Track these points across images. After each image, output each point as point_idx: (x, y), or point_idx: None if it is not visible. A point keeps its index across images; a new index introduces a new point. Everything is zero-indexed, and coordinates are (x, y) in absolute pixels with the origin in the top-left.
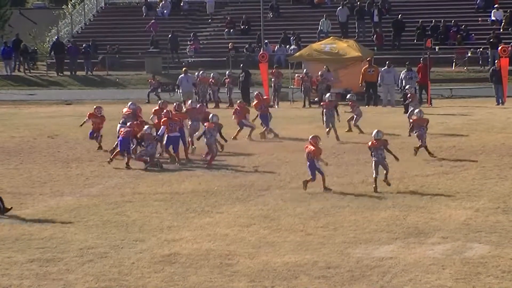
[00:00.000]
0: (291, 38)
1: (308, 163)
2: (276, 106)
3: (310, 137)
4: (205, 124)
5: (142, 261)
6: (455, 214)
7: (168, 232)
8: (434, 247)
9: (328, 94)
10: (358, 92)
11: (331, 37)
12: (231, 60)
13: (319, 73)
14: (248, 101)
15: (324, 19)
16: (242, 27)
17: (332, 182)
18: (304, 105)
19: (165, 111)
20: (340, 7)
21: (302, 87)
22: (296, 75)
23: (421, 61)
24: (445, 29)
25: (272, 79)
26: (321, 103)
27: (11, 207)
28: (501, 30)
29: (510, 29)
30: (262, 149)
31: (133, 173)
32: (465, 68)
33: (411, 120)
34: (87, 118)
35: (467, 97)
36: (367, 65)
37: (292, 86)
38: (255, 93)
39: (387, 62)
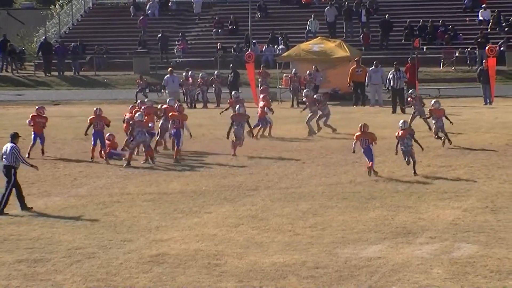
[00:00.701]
0: (279, 38)
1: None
2: None
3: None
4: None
5: (130, 261)
6: (443, 214)
7: (156, 233)
8: (422, 247)
9: (316, 95)
10: (346, 92)
11: (319, 37)
12: (219, 60)
13: (307, 72)
14: None
15: (312, 19)
16: (230, 27)
17: (320, 182)
18: (293, 105)
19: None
20: (328, 7)
21: (291, 87)
22: (284, 75)
23: (409, 61)
24: (433, 29)
25: (259, 79)
26: (304, 100)
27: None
28: (489, 30)
29: (497, 29)
30: (251, 149)
31: (121, 173)
32: (453, 68)
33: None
34: (30, 119)
35: (455, 97)
36: (355, 65)
37: (280, 86)
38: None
39: (374, 62)
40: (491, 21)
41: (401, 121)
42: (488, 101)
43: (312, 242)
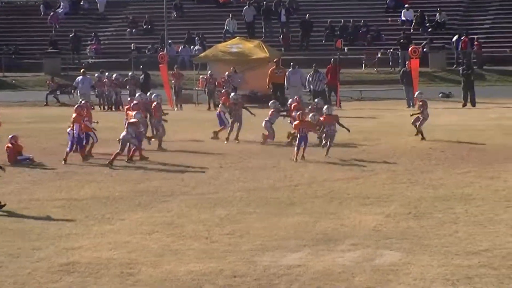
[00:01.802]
0: (196, 38)
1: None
2: (176, 109)
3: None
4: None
5: (39, 270)
6: (365, 220)
7: (67, 240)
8: (344, 254)
9: (232, 94)
10: (265, 94)
11: (237, 38)
12: (133, 61)
13: (226, 74)
14: None
15: (230, 18)
16: (144, 26)
17: (238, 187)
18: (209, 108)
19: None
20: (246, 6)
21: (206, 89)
22: (201, 76)
23: (331, 62)
24: (355, 29)
25: (173, 81)
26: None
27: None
28: (412, 31)
29: (420, 29)
30: (167, 153)
31: (30, 178)
32: (375, 69)
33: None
34: None
35: (377, 99)
36: (274, 67)
37: (196, 88)
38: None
39: (291, 64)
40: (414, 21)
41: (325, 107)
42: (411, 104)
43: (230, 249)
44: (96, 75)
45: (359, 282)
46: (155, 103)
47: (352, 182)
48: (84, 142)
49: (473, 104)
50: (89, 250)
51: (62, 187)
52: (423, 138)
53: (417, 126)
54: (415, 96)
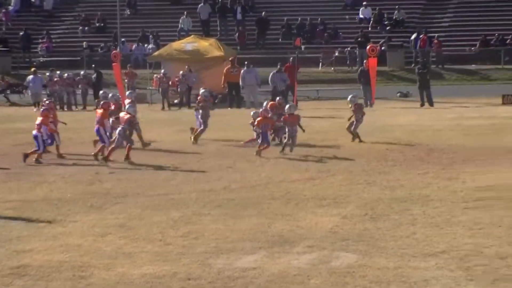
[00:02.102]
0: (150, 36)
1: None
2: None
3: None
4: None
5: None
6: (322, 222)
7: (18, 243)
8: (299, 257)
9: (202, 90)
10: (221, 93)
11: (192, 36)
12: (86, 59)
13: (180, 73)
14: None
15: (184, 16)
16: (97, 24)
17: (193, 188)
18: (164, 107)
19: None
20: (202, 4)
21: (160, 89)
22: (155, 75)
23: (290, 61)
24: (312, 28)
25: (126, 80)
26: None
27: None
28: (370, 29)
29: (378, 27)
30: (119, 153)
31: None
32: (333, 68)
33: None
34: None
35: (335, 98)
36: (229, 65)
37: (150, 88)
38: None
39: (246, 63)
40: (372, 19)
41: (287, 106)
42: (368, 103)
43: (184, 252)
44: (47, 74)
45: (315, 285)
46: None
47: (308, 183)
48: (50, 143)
49: (431, 104)
50: (40, 253)
51: (13, 188)
52: (360, 141)
53: (352, 130)
54: (348, 99)
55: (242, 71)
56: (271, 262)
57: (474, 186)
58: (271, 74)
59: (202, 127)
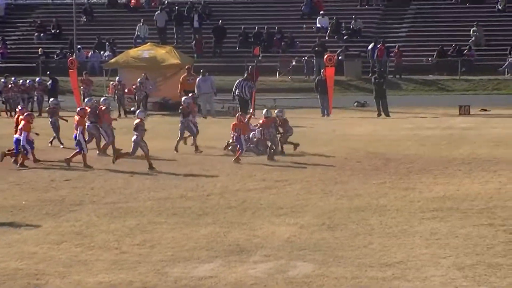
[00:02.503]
0: (106, 43)
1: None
2: None
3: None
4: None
5: None
6: (279, 231)
7: None
8: (256, 266)
9: (184, 98)
10: (177, 102)
11: (149, 43)
12: (41, 66)
13: (138, 80)
14: None
15: (141, 23)
16: (53, 31)
17: (149, 196)
18: (120, 115)
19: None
20: (158, 11)
21: (116, 96)
22: (111, 83)
23: (249, 70)
24: (269, 36)
25: (82, 87)
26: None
27: None
28: (327, 38)
29: (336, 37)
30: (76, 160)
31: None
32: (289, 77)
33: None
34: None
35: (291, 107)
36: (186, 73)
37: (106, 95)
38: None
39: (201, 71)
40: (329, 28)
41: (264, 110)
42: (326, 113)
43: (140, 260)
44: (2, 80)
45: None
46: (104, 107)
47: (265, 192)
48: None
49: (386, 114)
50: None
51: None
52: (296, 146)
53: (283, 141)
54: (274, 114)
55: (197, 79)
56: (228, 271)
57: (431, 196)
58: (237, 82)
59: (195, 132)
